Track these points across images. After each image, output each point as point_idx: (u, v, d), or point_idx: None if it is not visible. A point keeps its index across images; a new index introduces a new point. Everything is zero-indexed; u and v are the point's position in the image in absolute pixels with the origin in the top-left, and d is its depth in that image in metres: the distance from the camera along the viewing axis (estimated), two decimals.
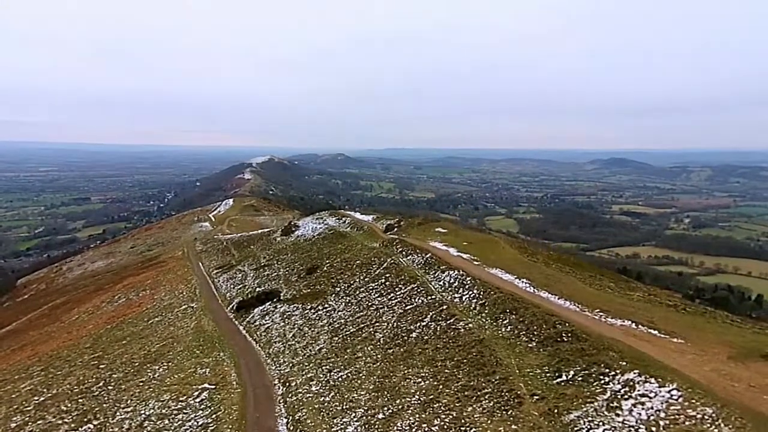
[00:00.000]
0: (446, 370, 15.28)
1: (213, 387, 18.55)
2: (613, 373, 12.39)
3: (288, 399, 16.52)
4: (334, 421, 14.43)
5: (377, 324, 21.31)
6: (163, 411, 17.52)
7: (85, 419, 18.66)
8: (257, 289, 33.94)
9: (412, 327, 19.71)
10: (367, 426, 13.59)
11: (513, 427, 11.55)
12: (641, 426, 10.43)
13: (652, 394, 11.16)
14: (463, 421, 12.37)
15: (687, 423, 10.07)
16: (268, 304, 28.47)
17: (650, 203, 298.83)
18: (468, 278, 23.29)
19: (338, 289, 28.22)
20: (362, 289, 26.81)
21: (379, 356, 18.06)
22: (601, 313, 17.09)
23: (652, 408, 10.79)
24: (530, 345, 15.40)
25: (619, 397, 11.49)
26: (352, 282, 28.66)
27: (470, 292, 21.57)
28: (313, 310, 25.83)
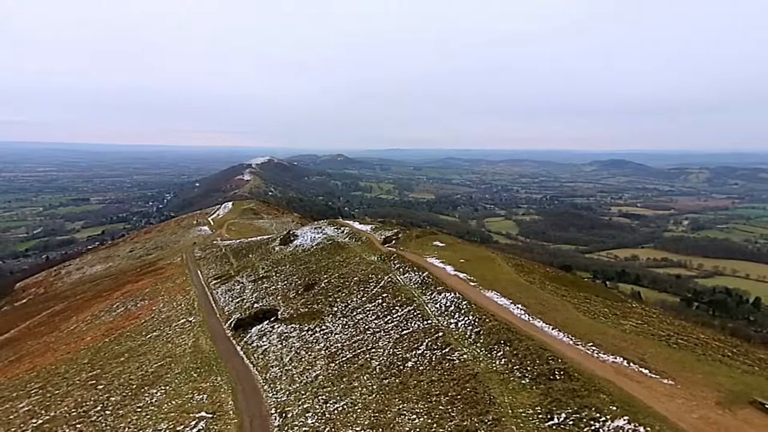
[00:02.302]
0: (440, 407, 15.47)
1: (210, 416, 18.73)
2: (603, 418, 12.59)
3: None
4: None
5: (373, 350, 21.50)
6: None
7: None
8: (255, 305, 34.12)
9: (407, 355, 19.90)
10: None
11: None
12: None
13: None
14: None
15: None
16: (266, 323, 28.64)
17: (649, 205, 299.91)
18: (464, 302, 23.51)
19: (335, 309, 28.41)
20: (359, 310, 27.00)
21: (374, 387, 18.25)
22: (593, 348, 17.29)
23: None
24: (523, 381, 15.59)
25: None
26: (349, 301, 28.86)
27: (466, 318, 21.77)
28: (310, 332, 26.01)
